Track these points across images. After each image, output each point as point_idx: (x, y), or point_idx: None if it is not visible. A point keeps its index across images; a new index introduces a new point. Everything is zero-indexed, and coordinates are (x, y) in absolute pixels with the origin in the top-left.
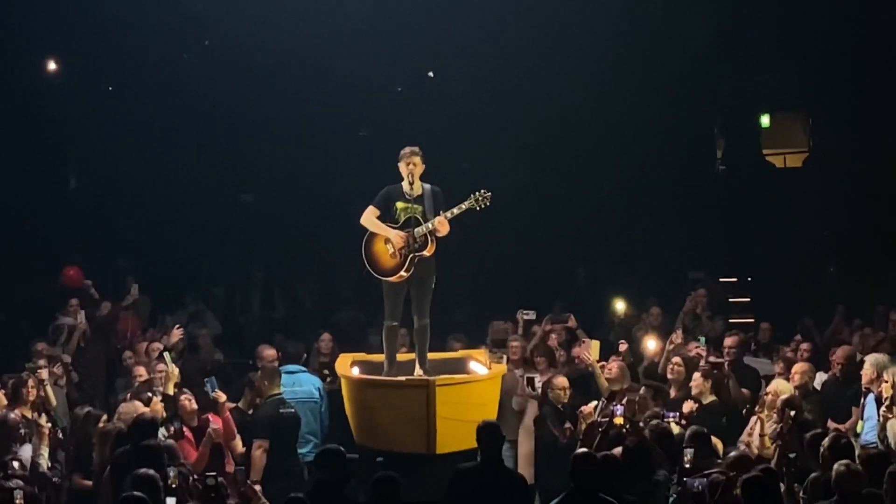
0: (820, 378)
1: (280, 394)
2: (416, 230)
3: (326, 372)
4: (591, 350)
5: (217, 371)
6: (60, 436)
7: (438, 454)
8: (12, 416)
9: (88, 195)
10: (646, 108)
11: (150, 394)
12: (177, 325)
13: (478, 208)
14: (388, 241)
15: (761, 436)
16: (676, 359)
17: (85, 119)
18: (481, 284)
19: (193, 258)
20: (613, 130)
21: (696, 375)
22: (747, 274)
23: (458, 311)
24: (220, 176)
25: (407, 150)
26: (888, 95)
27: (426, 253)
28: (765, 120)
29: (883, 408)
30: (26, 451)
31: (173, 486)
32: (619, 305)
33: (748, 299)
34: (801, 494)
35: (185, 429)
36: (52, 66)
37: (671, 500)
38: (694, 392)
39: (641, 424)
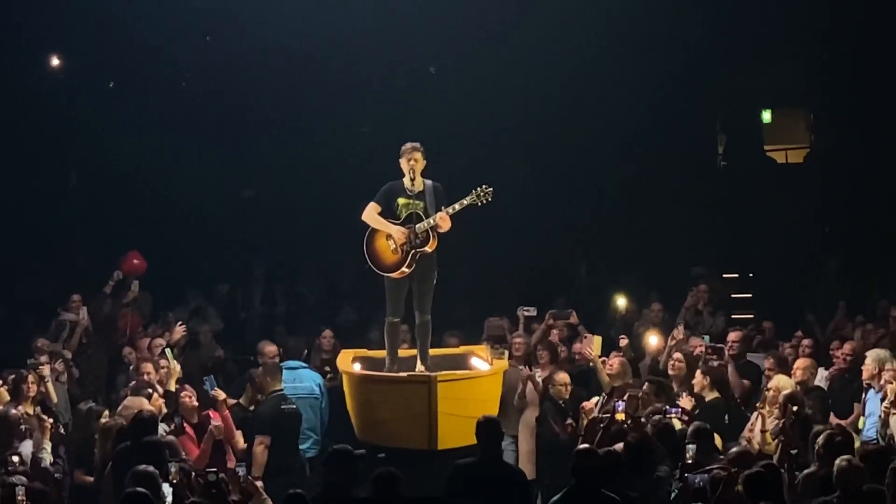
0: (821, 374)
1: (281, 390)
2: (417, 226)
3: (328, 368)
4: (593, 346)
5: (218, 367)
6: (62, 431)
7: (440, 450)
8: (13, 412)
9: (90, 191)
10: (647, 104)
11: (149, 390)
12: (178, 322)
13: (479, 204)
14: (389, 237)
15: (763, 432)
16: (677, 355)
17: (87, 115)
18: (482, 281)
19: (195, 254)
20: (615, 126)
21: (699, 373)
22: (749, 270)
23: (459, 307)
24: (221, 172)
25: (408, 146)
26: (890, 91)
27: (428, 249)
28: (766, 116)
29: (885, 403)
30: (27, 447)
31: (174, 481)
32: (621, 301)
33: (750, 295)
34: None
35: (185, 425)
36: (53, 62)
37: (672, 496)
38: (696, 389)
39: (643, 420)
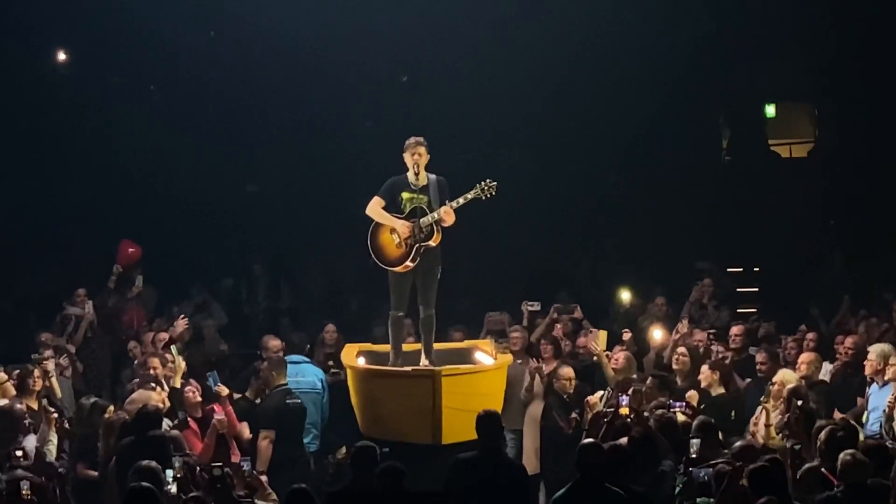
0: (826, 368)
1: (286, 384)
2: (421, 220)
3: (331, 363)
4: (598, 340)
5: (222, 362)
6: (67, 426)
7: (444, 444)
8: (18, 406)
9: (94, 185)
10: (651, 99)
11: (153, 384)
12: (182, 316)
13: (483, 198)
14: (393, 231)
15: (767, 426)
16: (682, 349)
17: (90, 110)
18: (486, 275)
19: (199, 249)
20: (619, 120)
21: (705, 368)
22: (753, 264)
23: (463, 301)
24: (225, 167)
25: (412, 140)
26: (894, 85)
27: (432, 243)
28: (770, 110)
29: (890, 397)
30: (31, 442)
31: (178, 476)
32: (625, 295)
33: (755, 289)
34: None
35: (189, 420)
36: (57, 57)
37: (677, 490)
38: (703, 385)
39: (647, 414)
